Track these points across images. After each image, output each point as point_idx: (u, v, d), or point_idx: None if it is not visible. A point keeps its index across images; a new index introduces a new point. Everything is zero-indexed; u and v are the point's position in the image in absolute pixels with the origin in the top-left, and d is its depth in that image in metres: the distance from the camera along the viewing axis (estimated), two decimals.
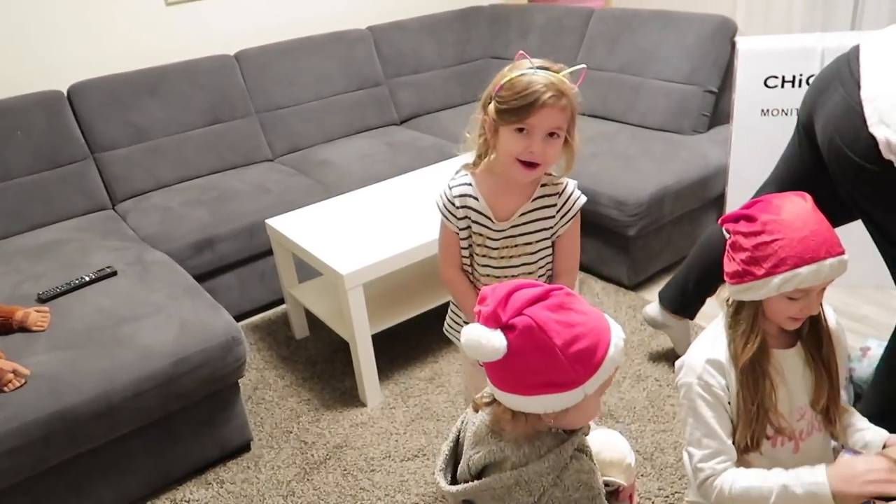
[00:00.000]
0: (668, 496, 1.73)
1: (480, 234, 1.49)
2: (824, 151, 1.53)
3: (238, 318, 2.68)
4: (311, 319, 2.51)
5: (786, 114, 2.35)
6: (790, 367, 1.31)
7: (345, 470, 1.92)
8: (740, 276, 1.22)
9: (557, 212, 1.47)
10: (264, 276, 2.67)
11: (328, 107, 3.36)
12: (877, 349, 2.01)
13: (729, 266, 1.25)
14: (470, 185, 1.47)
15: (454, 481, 1.07)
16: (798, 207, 1.21)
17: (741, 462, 1.32)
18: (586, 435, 1.07)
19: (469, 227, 1.49)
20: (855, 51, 1.47)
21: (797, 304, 1.22)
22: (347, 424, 2.09)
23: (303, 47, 3.33)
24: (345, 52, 3.43)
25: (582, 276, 2.69)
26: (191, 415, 1.87)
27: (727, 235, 1.28)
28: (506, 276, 1.51)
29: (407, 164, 2.91)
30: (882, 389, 1.66)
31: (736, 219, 1.25)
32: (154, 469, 1.86)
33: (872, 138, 1.35)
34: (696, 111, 2.87)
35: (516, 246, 1.48)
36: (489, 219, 1.47)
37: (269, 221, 2.39)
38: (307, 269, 2.46)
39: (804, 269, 1.16)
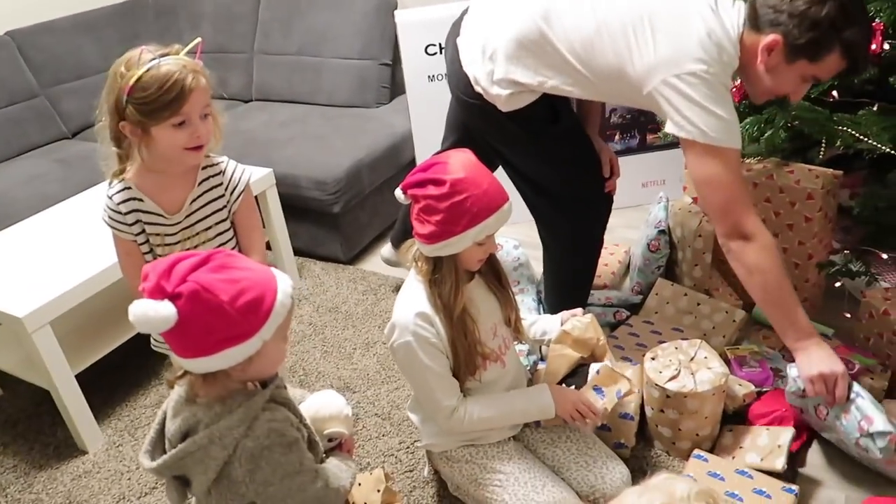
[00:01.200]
0: (408, 447, 1.85)
1: (157, 234, 1.45)
2: (455, 103, 1.77)
3: None
4: (3, 373, 2.18)
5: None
6: (478, 296, 1.48)
7: None
8: (438, 237, 1.33)
9: (226, 189, 1.49)
10: None
11: None
12: None
13: (423, 228, 1.34)
14: (130, 188, 1.41)
15: None
16: (469, 161, 1.34)
17: (462, 391, 1.46)
18: (281, 388, 1.12)
19: (143, 231, 1.43)
20: (466, 9, 1.73)
21: (483, 248, 1.38)
22: (68, 479, 1.87)
23: None
24: None
25: (300, 261, 2.70)
26: None
27: (406, 200, 1.38)
28: None
29: (84, 180, 2.62)
30: (550, 305, 1.98)
31: (422, 183, 1.33)
32: None
33: (467, 77, 1.65)
34: (376, 84, 3.01)
35: (196, 234, 1.47)
36: (161, 216, 1.43)
37: None
38: None
39: (491, 218, 1.32)
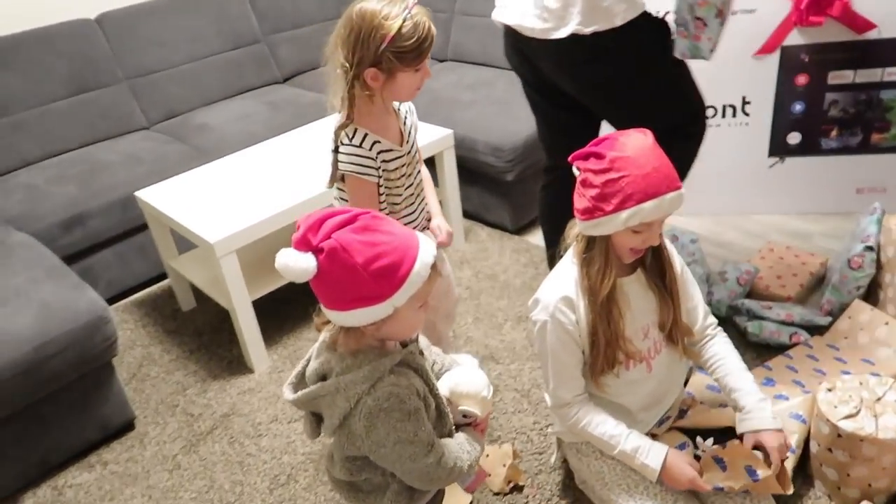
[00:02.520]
0: (542, 429, 1.82)
1: (397, 169, 1.53)
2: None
3: (122, 296, 2.61)
4: (198, 289, 2.46)
5: None
6: (633, 292, 1.39)
7: (231, 438, 1.92)
8: (591, 212, 1.27)
9: (406, 115, 1.60)
10: (144, 250, 2.59)
11: (204, 68, 3.22)
12: (732, 272, 2.14)
13: (579, 203, 1.29)
14: (367, 133, 1.49)
15: None
16: (641, 143, 1.25)
17: (597, 385, 1.40)
18: (416, 353, 1.13)
19: (380, 167, 1.51)
20: None
21: (640, 237, 1.28)
22: (235, 392, 2.08)
23: (171, 6, 3.17)
24: (217, 9, 3.28)
25: (467, 224, 2.73)
26: (63, 399, 1.82)
27: (577, 173, 1.33)
28: (419, 190, 1.62)
29: (285, 123, 2.85)
30: None
31: (585, 156, 1.29)
32: (28, 458, 1.81)
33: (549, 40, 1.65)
34: None
35: (415, 160, 1.60)
36: (395, 150, 1.52)
37: (138, 194, 2.31)
38: (186, 240, 2.39)
39: (648, 204, 1.22)
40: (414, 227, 1.59)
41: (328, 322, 1.10)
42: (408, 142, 1.56)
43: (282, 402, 2.02)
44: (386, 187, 1.54)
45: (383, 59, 1.37)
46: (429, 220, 1.67)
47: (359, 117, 1.48)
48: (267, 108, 3.06)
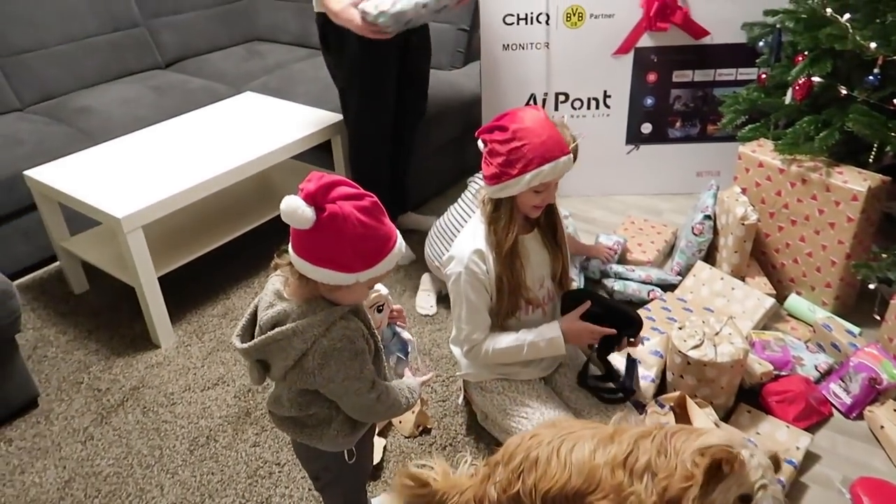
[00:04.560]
0: (444, 380, 2.02)
1: None
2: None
3: None
4: (90, 272, 2.44)
5: (522, 48, 2.70)
6: (532, 247, 1.63)
7: (144, 408, 1.97)
8: (498, 178, 1.49)
9: None
10: (28, 234, 2.51)
11: (81, 49, 3.14)
12: (604, 240, 2.46)
13: (487, 170, 1.51)
14: None
15: None
16: (536, 115, 1.49)
17: (503, 327, 1.63)
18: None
19: None
20: None
21: (540, 196, 1.52)
22: (142, 367, 2.12)
23: None
24: None
25: None
26: None
27: (482, 146, 1.54)
28: None
29: (175, 108, 2.86)
30: None
31: (490, 129, 1.51)
32: None
33: None
34: (452, 48, 3.14)
35: None
36: None
37: (28, 173, 2.26)
38: (77, 221, 2.37)
39: (546, 167, 1.45)
40: None
41: (285, 266, 1.21)
42: None
43: (192, 374, 2.08)
44: None
45: None
46: None
47: None
48: (152, 93, 3.04)
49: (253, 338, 1.21)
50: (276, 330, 1.17)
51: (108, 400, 1.99)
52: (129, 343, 2.22)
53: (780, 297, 2.22)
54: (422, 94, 2.47)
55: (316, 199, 1.09)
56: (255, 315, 1.26)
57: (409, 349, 1.43)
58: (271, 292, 1.23)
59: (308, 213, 1.07)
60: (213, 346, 2.19)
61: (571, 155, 1.50)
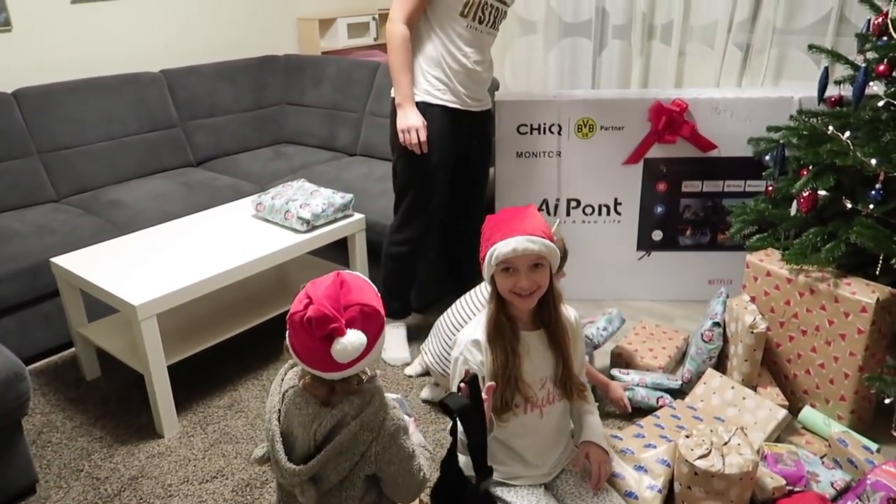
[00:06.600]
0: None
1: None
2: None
3: None
4: (104, 359, 2.47)
5: (535, 156, 2.81)
6: (533, 345, 1.64)
7: (141, 499, 1.94)
8: (480, 259, 1.57)
9: None
10: (49, 319, 2.58)
11: (119, 147, 3.33)
12: (616, 373, 2.42)
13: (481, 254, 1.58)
14: None
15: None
16: (515, 209, 1.57)
17: (500, 419, 1.61)
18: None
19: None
20: None
21: (511, 279, 1.53)
22: (143, 457, 2.10)
23: (91, 87, 3.28)
24: (137, 94, 3.43)
25: None
26: None
27: None
28: None
29: (203, 203, 2.99)
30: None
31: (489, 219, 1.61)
32: None
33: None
34: None
35: None
36: None
37: (54, 260, 2.35)
38: (96, 309, 2.43)
39: (500, 244, 1.50)
40: None
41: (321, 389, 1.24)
42: None
43: (192, 465, 2.06)
44: None
45: None
46: None
47: None
48: (182, 188, 3.19)
49: (302, 460, 1.20)
50: (342, 433, 1.18)
51: (106, 489, 1.97)
52: (134, 431, 2.22)
53: (794, 409, 2.17)
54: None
55: (341, 325, 1.14)
56: (285, 440, 1.24)
57: (403, 406, 1.46)
58: (297, 415, 1.22)
59: (358, 338, 1.14)
60: (216, 438, 2.18)
61: (542, 240, 1.50)
